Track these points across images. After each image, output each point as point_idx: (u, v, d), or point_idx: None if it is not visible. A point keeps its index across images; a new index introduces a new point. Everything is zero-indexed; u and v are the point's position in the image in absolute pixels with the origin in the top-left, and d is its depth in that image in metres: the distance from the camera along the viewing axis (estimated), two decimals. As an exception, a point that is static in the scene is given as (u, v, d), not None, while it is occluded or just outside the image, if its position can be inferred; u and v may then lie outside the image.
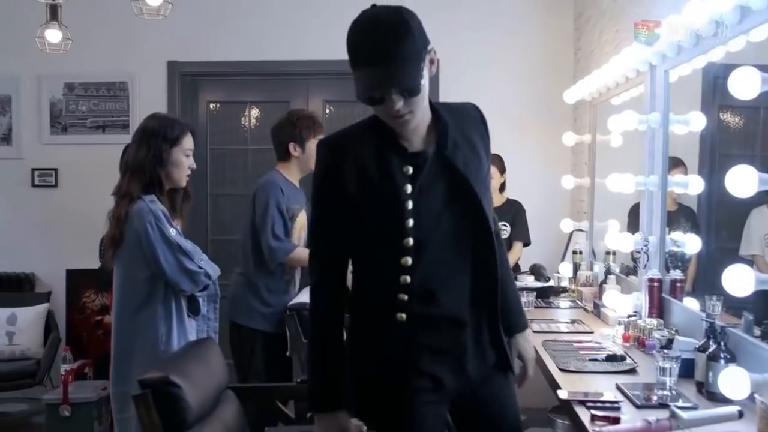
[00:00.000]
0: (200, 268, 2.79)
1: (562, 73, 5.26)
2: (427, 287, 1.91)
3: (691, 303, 2.95)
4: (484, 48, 5.33)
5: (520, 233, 4.79)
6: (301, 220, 3.65)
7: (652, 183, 3.23)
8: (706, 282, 3.09)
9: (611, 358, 2.71)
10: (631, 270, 3.82)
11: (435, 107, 1.98)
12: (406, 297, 1.90)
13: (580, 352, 2.86)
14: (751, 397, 2.03)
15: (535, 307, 3.93)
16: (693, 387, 2.32)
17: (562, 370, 2.62)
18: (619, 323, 3.09)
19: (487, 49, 5.33)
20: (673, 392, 2.24)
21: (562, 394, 2.30)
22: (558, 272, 4.54)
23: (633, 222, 3.69)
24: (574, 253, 4.57)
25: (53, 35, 4.58)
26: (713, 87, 3.06)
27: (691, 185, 3.06)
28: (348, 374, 2.00)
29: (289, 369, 3.64)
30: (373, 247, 1.96)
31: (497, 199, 4.67)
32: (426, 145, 1.95)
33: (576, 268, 4.46)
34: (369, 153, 1.93)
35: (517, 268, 4.66)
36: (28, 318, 5.23)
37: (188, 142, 2.85)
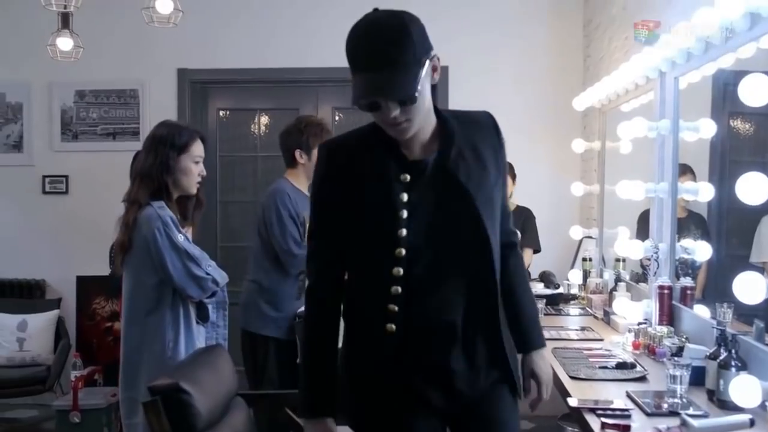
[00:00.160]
0: (208, 274, 2.80)
1: (572, 80, 5.26)
2: (418, 299, 1.85)
3: (702, 310, 2.94)
4: (492, 54, 5.33)
5: (530, 240, 4.78)
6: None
7: (662, 190, 3.22)
8: (717, 289, 3.07)
9: (621, 365, 2.70)
10: (641, 277, 3.81)
11: (443, 115, 1.93)
12: (396, 308, 1.84)
13: (590, 359, 2.85)
14: (762, 406, 2.02)
15: (545, 314, 3.93)
16: (704, 395, 2.31)
17: (572, 377, 2.62)
18: (629, 331, 3.08)
19: (496, 55, 5.34)
20: (684, 400, 2.23)
21: (572, 401, 2.30)
22: (568, 279, 4.53)
23: (642, 228, 3.68)
24: (584, 260, 4.56)
25: (64, 43, 4.61)
26: (723, 94, 3.06)
27: (701, 192, 3.05)
28: (341, 380, 1.96)
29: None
30: (366, 254, 1.90)
31: (506, 207, 4.66)
32: (428, 153, 1.89)
33: (586, 275, 4.45)
34: (368, 158, 1.89)
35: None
36: (39, 324, 5.25)
37: (197, 149, 2.86)
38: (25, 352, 5.16)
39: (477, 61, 5.26)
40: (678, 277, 3.15)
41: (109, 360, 4.77)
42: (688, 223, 3.31)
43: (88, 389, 4.63)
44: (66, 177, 5.63)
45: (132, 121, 5.61)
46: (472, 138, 1.94)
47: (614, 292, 3.72)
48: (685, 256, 3.14)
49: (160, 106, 5.44)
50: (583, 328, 3.54)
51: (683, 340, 2.77)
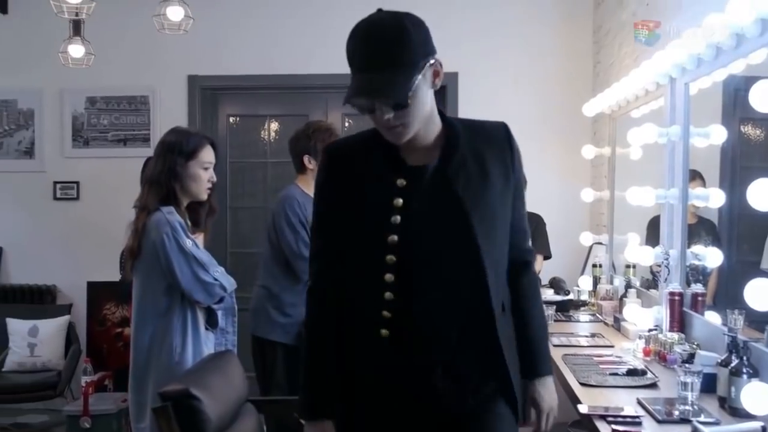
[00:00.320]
0: (215, 279, 2.80)
1: (581, 85, 5.25)
2: (409, 308, 1.80)
3: (713, 317, 2.92)
4: (501, 60, 5.33)
5: (540, 246, 4.77)
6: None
7: (672, 196, 3.21)
8: (728, 296, 3.06)
9: (632, 372, 2.70)
10: (651, 283, 3.80)
11: (450, 121, 1.89)
12: (389, 314, 1.81)
13: (601, 366, 2.84)
14: (774, 413, 2.01)
15: (555, 321, 3.92)
16: (715, 402, 2.30)
17: (582, 384, 2.61)
18: (640, 337, 3.07)
19: (505, 61, 5.34)
20: (695, 407, 2.22)
21: (583, 408, 2.29)
22: (578, 286, 4.52)
23: (652, 235, 3.67)
24: (594, 266, 4.55)
25: (76, 50, 4.65)
26: (734, 100, 3.05)
27: (711, 198, 3.04)
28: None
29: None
30: (359, 257, 1.87)
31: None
32: (429, 160, 1.84)
33: (596, 281, 4.44)
34: (368, 162, 1.87)
35: (536, 282, 4.64)
36: (50, 330, 5.27)
37: (206, 155, 2.86)
38: (36, 357, 5.19)
39: (486, 66, 5.26)
40: (689, 284, 3.14)
41: (119, 365, 4.78)
42: (699, 229, 3.30)
43: (98, 395, 4.65)
44: (77, 183, 5.66)
45: (142, 128, 5.63)
46: (480, 149, 1.88)
47: (624, 299, 3.71)
48: (696, 263, 3.13)
49: (170, 113, 5.45)
50: (593, 335, 3.53)
51: (694, 346, 2.76)
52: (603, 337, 3.48)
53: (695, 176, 3.24)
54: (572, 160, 5.18)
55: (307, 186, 3.66)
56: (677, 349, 2.79)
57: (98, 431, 4.47)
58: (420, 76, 1.73)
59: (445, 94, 5.15)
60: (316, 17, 5.44)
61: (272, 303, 3.57)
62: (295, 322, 3.55)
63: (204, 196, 2.89)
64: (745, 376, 2.17)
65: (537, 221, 4.82)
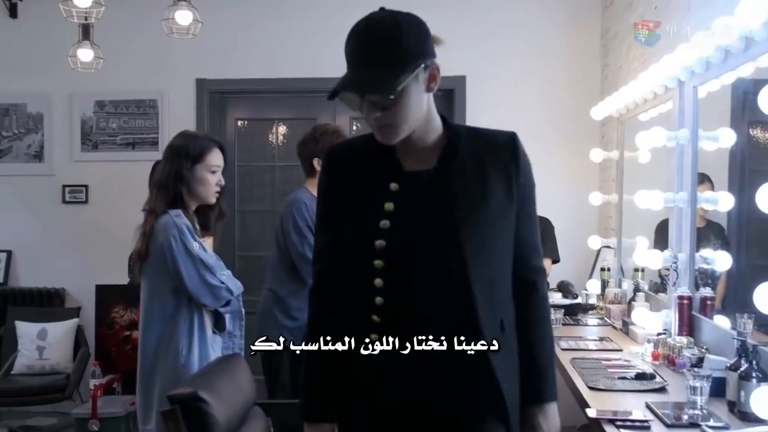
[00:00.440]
0: (222, 283, 2.81)
1: (590, 89, 5.24)
2: (398, 313, 1.76)
3: (722, 321, 2.91)
4: (510, 63, 5.32)
5: (549, 250, 4.76)
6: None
7: (681, 200, 3.20)
8: (737, 300, 3.05)
9: (640, 376, 2.69)
10: (660, 287, 3.78)
11: (453, 127, 1.86)
12: (378, 319, 1.77)
13: (609, 370, 2.83)
14: (784, 417, 2.00)
15: (563, 325, 3.92)
16: (724, 406, 2.29)
17: (590, 388, 2.60)
18: (649, 341, 3.06)
19: (514, 64, 5.33)
20: (704, 411, 2.21)
21: (591, 412, 2.28)
22: (586, 289, 4.52)
23: (660, 238, 3.66)
24: (602, 270, 4.54)
25: (85, 54, 4.67)
26: (743, 103, 3.04)
27: (720, 202, 3.03)
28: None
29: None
30: (352, 261, 1.82)
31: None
32: (426, 165, 1.80)
33: (604, 285, 4.43)
34: (366, 164, 1.85)
35: (545, 285, 4.63)
36: (58, 333, 5.29)
37: (214, 158, 2.87)
38: (44, 360, 5.20)
39: (494, 69, 5.25)
40: (697, 287, 3.13)
41: (127, 368, 4.78)
42: (708, 232, 3.28)
43: (106, 398, 4.66)
44: (86, 187, 5.67)
45: (151, 131, 5.65)
46: (483, 157, 1.83)
47: (633, 302, 3.70)
48: (705, 266, 3.12)
49: (178, 116, 5.47)
50: (601, 339, 3.52)
51: (703, 350, 2.75)
52: (611, 340, 3.47)
53: (704, 179, 3.23)
54: (580, 164, 5.17)
55: (316, 189, 3.66)
56: (686, 353, 2.78)
57: (106, 434, 4.48)
58: (410, 76, 1.68)
59: (453, 97, 5.13)
60: (324, 21, 5.44)
61: (278, 306, 3.57)
62: (302, 326, 3.53)
63: (212, 200, 2.90)
64: (754, 381, 2.16)
65: (545, 225, 4.82)
